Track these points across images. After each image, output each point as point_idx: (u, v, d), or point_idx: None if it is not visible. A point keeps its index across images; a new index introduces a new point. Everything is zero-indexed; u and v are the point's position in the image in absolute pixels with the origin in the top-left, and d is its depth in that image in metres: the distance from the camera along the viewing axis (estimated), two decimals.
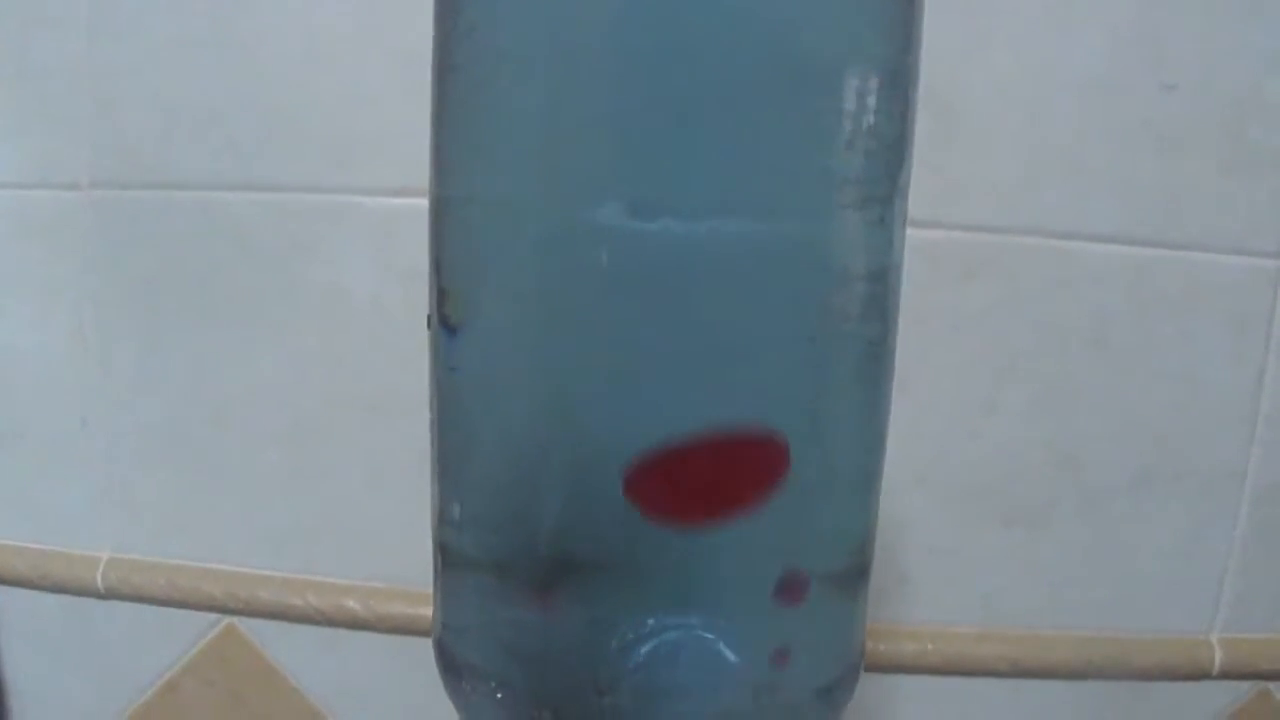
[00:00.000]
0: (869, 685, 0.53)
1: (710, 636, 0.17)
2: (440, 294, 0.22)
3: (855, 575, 0.21)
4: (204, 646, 0.55)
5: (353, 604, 0.53)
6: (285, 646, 0.55)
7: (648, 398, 0.18)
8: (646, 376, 0.18)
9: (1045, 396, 0.50)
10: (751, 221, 0.18)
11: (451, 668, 0.21)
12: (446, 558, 0.21)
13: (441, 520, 0.21)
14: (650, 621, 0.17)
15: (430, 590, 0.50)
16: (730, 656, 0.18)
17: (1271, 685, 0.54)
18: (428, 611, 0.53)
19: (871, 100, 0.19)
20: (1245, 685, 0.53)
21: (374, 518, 0.53)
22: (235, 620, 0.55)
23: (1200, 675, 0.53)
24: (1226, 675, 0.53)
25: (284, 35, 0.49)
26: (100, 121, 0.51)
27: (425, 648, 0.53)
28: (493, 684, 0.19)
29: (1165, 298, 0.49)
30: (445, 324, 0.21)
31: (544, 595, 0.18)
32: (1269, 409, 0.50)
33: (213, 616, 0.55)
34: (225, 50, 0.50)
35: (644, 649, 0.17)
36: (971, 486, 0.51)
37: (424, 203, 0.49)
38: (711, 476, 0.17)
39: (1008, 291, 0.49)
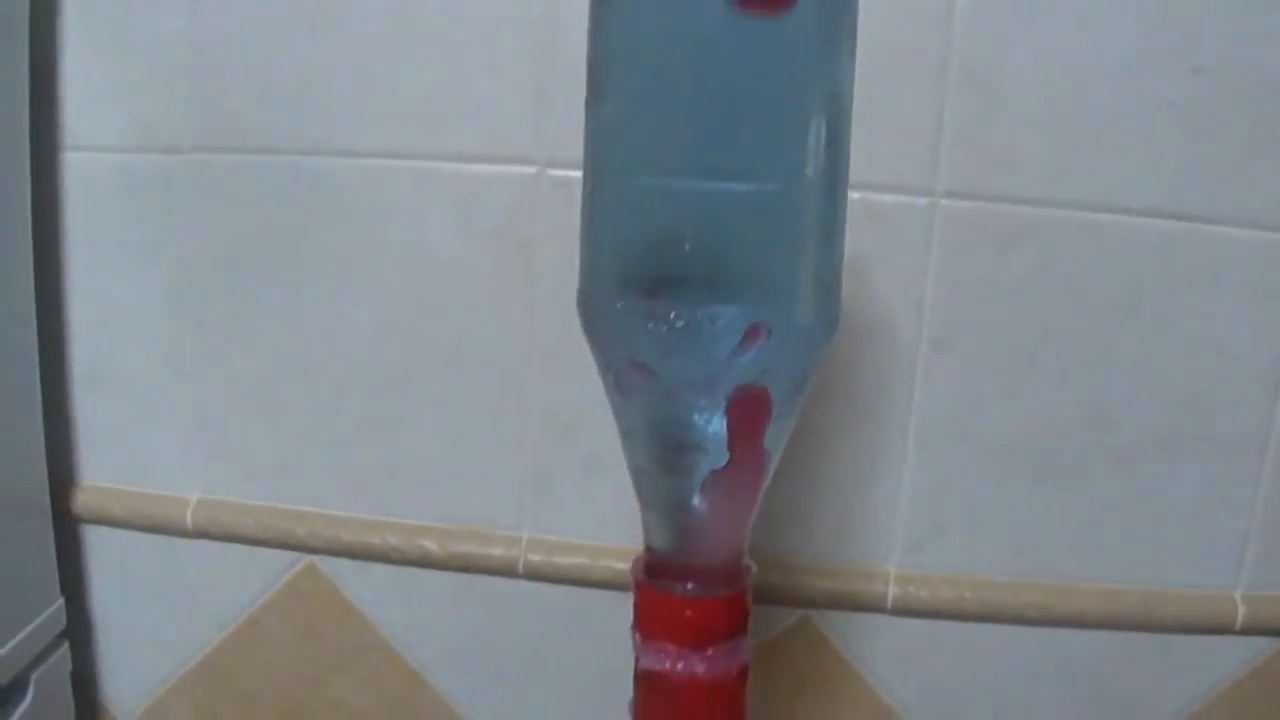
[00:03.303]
0: (908, 629, 0.56)
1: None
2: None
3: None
4: (285, 584, 0.59)
5: (428, 543, 0.57)
6: (362, 583, 0.59)
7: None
8: None
9: (1079, 360, 0.54)
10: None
11: (587, 312, 0.33)
12: (596, 263, 0.32)
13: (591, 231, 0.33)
14: (694, 311, 0.29)
15: (501, 531, 0.54)
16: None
17: None
18: (497, 550, 0.57)
19: (828, 105, 0.32)
20: (1266, 641, 0.56)
21: (450, 462, 0.57)
22: (316, 559, 0.59)
23: (1223, 630, 0.55)
24: (1248, 631, 0.55)
25: (374, 10, 0.53)
26: (200, 90, 0.55)
27: (493, 585, 0.58)
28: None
29: (1194, 269, 0.52)
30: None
31: (645, 310, 0.30)
32: None
33: (294, 555, 0.59)
34: (319, 24, 0.54)
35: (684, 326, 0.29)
36: (1008, 443, 0.54)
37: (501, 169, 0.54)
38: None
39: (1045, 261, 0.53)
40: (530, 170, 0.54)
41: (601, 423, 0.55)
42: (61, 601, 0.57)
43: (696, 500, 0.31)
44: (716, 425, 0.30)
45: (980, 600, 0.55)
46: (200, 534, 0.59)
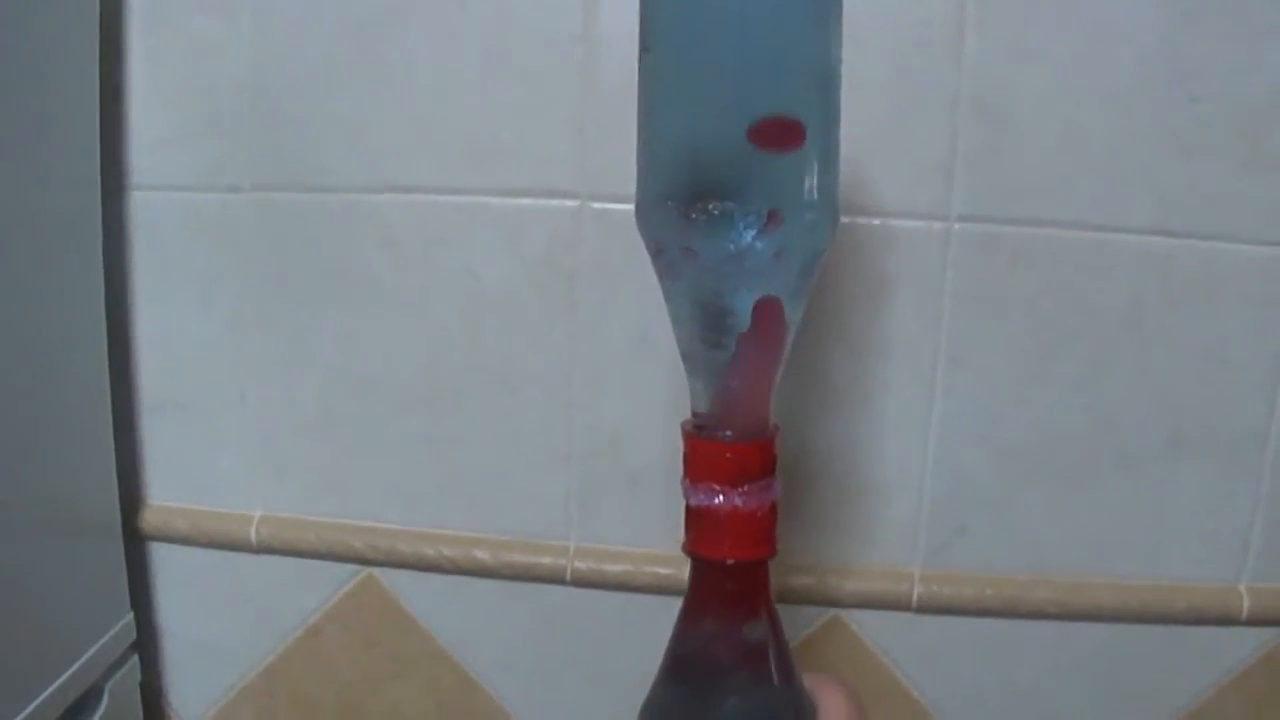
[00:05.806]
0: (931, 626, 0.59)
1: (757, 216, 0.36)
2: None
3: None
4: (345, 595, 0.62)
5: (480, 554, 0.60)
6: (418, 593, 0.62)
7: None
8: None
9: (1087, 370, 0.57)
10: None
11: (643, 217, 0.38)
12: (649, 181, 0.38)
13: (645, 152, 0.39)
14: (726, 204, 0.36)
15: (549, 541, 0.59)
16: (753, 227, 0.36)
17: None
18: (547, 559, 0.60)
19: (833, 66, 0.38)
20: (1271, 631, 0.59)
21: (500, 477, 0.60)
22: (374, 570, 0.62)
23: (1230, 621, 0.58)
24: (1254, 621, 0.58)
25: (424, 58, 0.57)
26: (259, 132, 0.59)
27: (544, 592, 0.61)
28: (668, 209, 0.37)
29: (1193, 282, 0.55)
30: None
31: (688, 205, 0.36)
32: None
33: (353, 567, 0.62)
34: (372, 70, 0.57)
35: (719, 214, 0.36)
36: (1022, 449, 0.58)
37: (546, 203, 0.57)
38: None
39: (1053, 278, 0.56)
40: (573, 204, 0.57)
41: (641, 438, 0.59)
42: (131, 615, 0.60)
43: (731, 365, 0.37)
44: (745, 296, 0.37)
45: (1000, 597, 0.58)
46: (263, 549, 0.62)
